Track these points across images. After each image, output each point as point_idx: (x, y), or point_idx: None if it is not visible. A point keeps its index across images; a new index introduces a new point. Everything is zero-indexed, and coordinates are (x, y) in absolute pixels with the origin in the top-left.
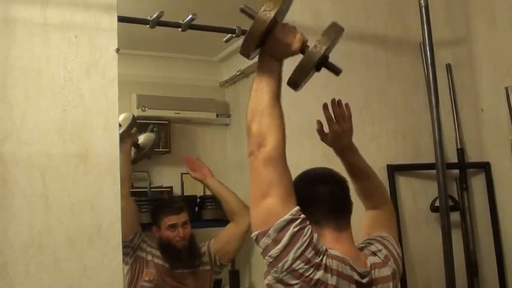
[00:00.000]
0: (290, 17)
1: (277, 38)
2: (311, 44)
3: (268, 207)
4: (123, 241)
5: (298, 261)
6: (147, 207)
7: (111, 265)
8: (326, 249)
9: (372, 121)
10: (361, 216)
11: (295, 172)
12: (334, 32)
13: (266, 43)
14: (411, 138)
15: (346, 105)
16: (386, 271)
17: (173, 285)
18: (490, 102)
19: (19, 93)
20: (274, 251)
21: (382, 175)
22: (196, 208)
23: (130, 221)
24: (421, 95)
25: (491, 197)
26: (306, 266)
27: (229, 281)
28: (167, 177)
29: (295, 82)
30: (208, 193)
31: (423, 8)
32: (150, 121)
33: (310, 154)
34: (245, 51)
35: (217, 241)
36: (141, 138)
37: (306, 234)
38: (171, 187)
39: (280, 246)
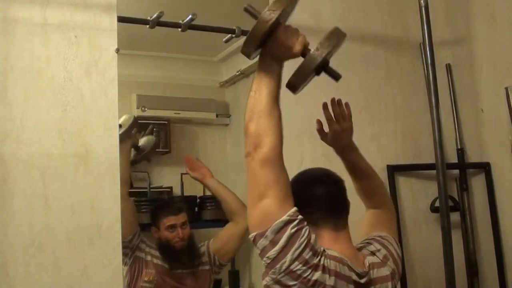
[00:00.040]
0: (290, 18)
1: (279, 40)
2: (312, 47)
3: (265, 208)
4: (122, 242)
5: (296, 262)
6: (147, 208)
7: (111, 265)
8: (324, 250)
9: (372, 121)
10: (360, 215)
11: (295, 172)
12: (336, 37)
13: (268, 44)
14: (411, 138)
15: (346, 104)
16: (385, 271)
17: (173, 285)
18: (490, 102)
19: (19, 93)
20: (271, 253)
21: (382, 176)
22: (196, 209)
23: (129, 221)
24: (421, 95)
25: (491, 197)
26: (304, 267)
27: (228, 281)
28: (167, 177)
29: (294, 85)
30: (208, 193)
31: (423, 8)
32: (150, 121)
33: (310, 154)
34: (246, 51)
35: (216, 241)
36: (142, 141)
37: (303, 235)
38: (171, 187)
39: (277, 247)
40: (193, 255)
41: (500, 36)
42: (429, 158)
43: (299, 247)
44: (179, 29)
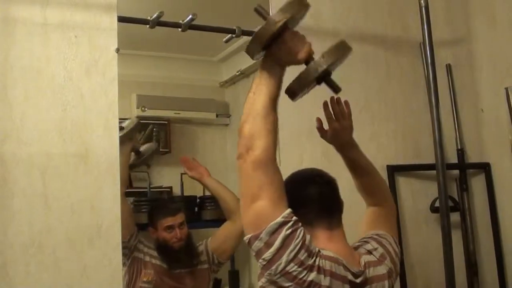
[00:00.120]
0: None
1: (286, 44)
2: (316, 54)
3: (259, 210)
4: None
5: (292, 264)
6: (146, 207)
7: (111, 265)
8: (319, 250)
9: (372, 121)
10: (359, 214)
11: None
12: (341, 50)
13: (273, 47)
14: (411, 139)
15: (346, 102)
16: (382, 270)
17: (172, 285)
18: (490, 102)
19: (19, 93)
20: (267, 254)
21: (382, 176)
22: (196, 208)
23: (126, 222)
24: (421, 95)
25: (491, 197)
26: (300, 269)
27: (228, 281)
28: (166, 177)
29: (294, 92)
30: (207, 193)
31: (423, 8)
32: (150, 121)
33: (310, 154)
34: (251, 51)
35: (215, 239)
36: (143, 146)
37: (298, 236)
38: (170, 187)
39: (272, 249)
40: (192, 255)
41: (500, 36)
42: (429, 158)
43: (294, 248)
44: (179, 29)
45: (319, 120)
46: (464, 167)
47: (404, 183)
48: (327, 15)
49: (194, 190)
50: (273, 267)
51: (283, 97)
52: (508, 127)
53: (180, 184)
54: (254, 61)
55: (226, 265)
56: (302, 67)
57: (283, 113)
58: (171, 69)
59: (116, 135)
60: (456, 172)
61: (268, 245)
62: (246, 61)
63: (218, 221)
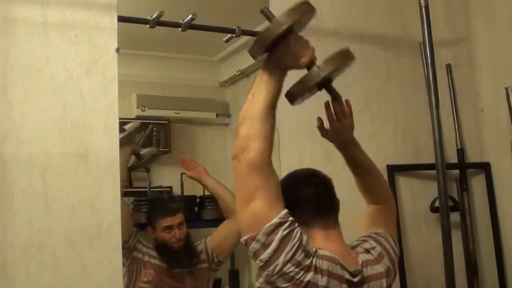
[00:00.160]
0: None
1: (289, 47)
2: (319, 62)
3: (255, 211)
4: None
5: (289, 265)
6: (147, 207)
7: (111, 265)
8: (316, 250)
9: (372, 121)
10: (358, 214)
11: None
12: (344, 58)
13: (276, 49)
14: (411, 138)
15: (347, 102)
16: (379, 268)
17: (172, 285)
18: (490, 102)
19: (19, 93)
20: (264, 255)
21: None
22: (196, 208)
23: (124, 222)
24: (421, 95)
25: (491, 197)
26: (297, 269)
27: (228, 281)
28: (166, 177)
29: (293, 96)
30: (207, 193)
31: (423, 8)
32: (150, 121)
33: (310, 154)
34: (253, 52)
35: (214, 238)
36: (144, 150)
37: (295, 237)
38: (170, 187)
39: (270, 250)
40: (191, 254)
41: (500, 36)
42: (429, 158)
43: (291, 249)
44: (179, 29)
45: (319, 119)
46: (464, 167)
47: (404, 183)
48: (327, 15)
49: (194, 189)
50: (271, 268)
51: (283, 97)
52: (508, 127)
53: (180, 183)
54: (254, 61)
55: (226, 264)
56: (304, 72)
57: (283, 113)
58: (171, 69)
59: (116, 135)
60: (456, 172)
61: (265, 246)
62: (246, 61)
63: (218, 221)
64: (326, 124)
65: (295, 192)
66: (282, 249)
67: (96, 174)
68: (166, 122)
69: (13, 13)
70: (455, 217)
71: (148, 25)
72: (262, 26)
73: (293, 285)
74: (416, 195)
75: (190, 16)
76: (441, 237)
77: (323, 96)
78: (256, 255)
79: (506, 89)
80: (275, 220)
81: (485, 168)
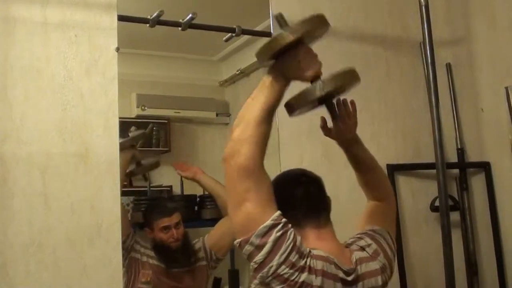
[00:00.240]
0: (290, 18)
1: (297, 58)
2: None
3: (247, 212)
4: None
5: (283, 266)
6: (146, 207)
7: (111, 265)
8: (309, 251)
9: (372, 121)
10: (358, 213)
11: None
12: (350, 77)
13: (284, 58)
14: (411, 138)
15: (352, 102)
16: (374, 265)
17: (171, 284)
18: (490, 102)
19: (19, 93)
20: (258, 257)
21: None
22: (196, 207)
23: (122, 223)
24: (421, 95)
25: (491, 197)
26: (291, 271)
27: (228, 281)
28: (166, 176)
29: (292, 107)
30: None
31: (423, 8)
32: (150, 120)
33: (310, 154)
34: (260, 57)
35: (211, 236)
36: (145, 158)
37: (289, 238)
38: (170, 186)
39: (263, 252)
40: (189, 254)
41: (500, 36)
42: (429, 158)
43: (285, 251)
44: (179, 28)
45: (323, 119)
46: (464, 166)
47: (404, 182)
48: (327, 15)
49: (194, 189)
50: (265, 270)
51: (285, 97)
52: (508, 126)
53: (180, 183)
54: (254, 61)
55: (226, 264)
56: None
57: (283, 113)
58: (171, 68)
59: (116, 134)
60: (456, 171)
61: (258, 248)
62: (246, 60)
63: (218, 220)
64: (329, 123)
65: (286, 193)
66: (276, 251)
67: (96, 174)
68: (166, 121)
69: (13, 13)
70: (455, 216)
71: (148, 25)
72: (262, 25)
73: (287, 286)
74: (416, 194)
75: (190, 15)
76: (441, 236)
77: None
78: (250, 257)
79: (506, 88)
80: (268, 222)
81: (485, 167)
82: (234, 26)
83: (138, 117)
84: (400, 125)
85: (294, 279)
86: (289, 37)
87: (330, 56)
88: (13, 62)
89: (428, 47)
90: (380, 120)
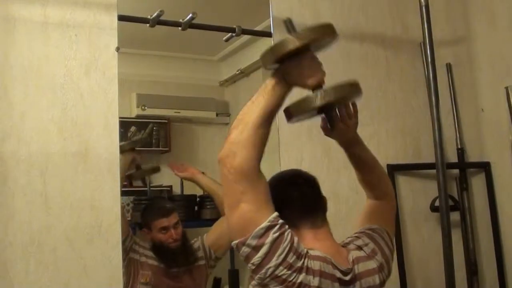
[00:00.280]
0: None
1: (300, 65)
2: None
3: (243, 214)
4: None
5: (281, 267)
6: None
7: (111, 264)
8: (307, 251)
9: (372, 121)
10: (358, 210)
11: None
12: (351, 90)
13: (287, 63)
14: (411, 138)
15: (353, 102)
16: (371, 264)
17: (170, 285)
18: (490, 102)
19: (19, 92)
20: (255, 259)
21: None
22: (196, 207)
23: (121, 224)
24: (421, 95)
25: (491, 197)
26: (289, 272)
27: (228, 281)
28: (166, 176)
29: (290, 114)
30: None
31: (423, 8)
32: (150, 120)
33: (310, 154)
34: (264, 61)
35: (210, 235)
36: (146, 165)
37: (286, 239)
38: (170, 186)
39: (261, 253)
40: (188, 253)
41: (500, 36)
42: (429, 158)
43: (282, 252)
44: (180, 28)
45: (323, 119)
46: (464, 166)
47: (404, 182)
48: (327, 15)
49: (194, 189)
50: (263, 271)
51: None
52: (508, 126)
53: (180, 183)
54: (254, 60)
55: (226, 264)
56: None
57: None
58: (171, 68)
59: (116, 134)
60: (456, 171)
61: (255, 249)
62: (246, 60)
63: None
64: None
65: (281, 194)
66: (273, 252)
67: (96, 173)
68: (166, 121)
69: (13, 12)
70: (455, 216)
71: (148, 24)
72: (262, 25)
73: (285, 287)
74: (416, 194)
75: (190, 15)
76: (441, 236)
77: None
78: (247, 258)
79: (506, 88)
80: (265, 223)
81: (485, 167)
82: (234, 26)
83: (138, 117)
84: (400, 125)
85: (292, 280)
86: (295, 43)
87: (330, 56)
88: (13, 62)
89: (428, 47)
90: (380, 120)
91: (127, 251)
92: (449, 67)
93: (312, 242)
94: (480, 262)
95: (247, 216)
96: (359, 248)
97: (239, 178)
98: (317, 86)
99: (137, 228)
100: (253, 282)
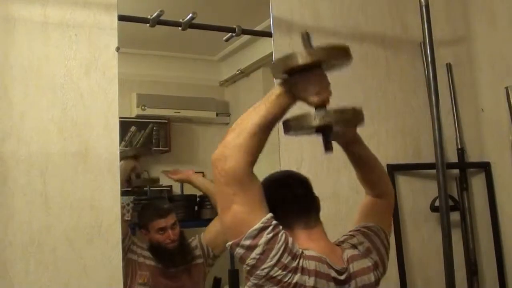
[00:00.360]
0: (290, 18)
1: (307, 80)
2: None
3: (236, 215)
4: None
5: (276, 268)
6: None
7: (111, 264)
8: (302, 252)
9: (372, 121)
10: (355, 209)
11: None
12: (351, 116)
13: (296, 76)
14: (411, 138)
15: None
16: (366, 263)
17: (168, 285)
18: (490, 102)
19: (19, 92)
20: (250, 260)
21: None
22: (196, 207)
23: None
24: (421, 95)
25: (491, 197)
26: (284, 272)
27: (228, 280)
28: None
29: (288, 127)
30: None
31: (423, 7)
32: (150, 120)
33: (310, 154)
34: (273, 70)
35: (207, 233)
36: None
37: (280, 240)
38: (170, 186)
39: (255, 254)
40: (186, 253)
41: (500, 36)
42: (429, 158)
43: (277, 253)
44: (180, 28)
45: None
46: (464, 166)
47: (404, 182)
48: (327, 15)
49: (194, 189)
50: (258, 272)
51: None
52: (508, 126)
53: (180, 183)
54: (254, 60)
55: (226, 264)
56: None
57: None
58: (171, 68)
59: (116, 134)
60: (456, 171)
61: (249, 250)
62: (246, 60)
63: None
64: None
65: (274, 195)
66: (268, 253)
67: (96, 173)
68: (166, 121)
69: (13, 12)
70: (455, 216)
71: (148, 24)
72: (262, 25)
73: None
74: (416, 194)
75: (190, 15)
76: (441, 236)
77: None
78: (241, 259)
79: (506, 88)
80: (258, 225)
81: (485, 167)
82: (234, 26)
83: (138, 117)
84: (400, 125)
85: (287, 280)
86: (306, 59)
87: None
88: (13, 62)
89: (428, 47)
90: (380, 120)
91: (126, 251)
92: (449, 67)
93: (306, 243)
94: (480, 262)
95: (239, 217)
96: (354, 246)
97: (230, 181)
98: (321, 105)
99: (136, 228)
100: (249, 283)
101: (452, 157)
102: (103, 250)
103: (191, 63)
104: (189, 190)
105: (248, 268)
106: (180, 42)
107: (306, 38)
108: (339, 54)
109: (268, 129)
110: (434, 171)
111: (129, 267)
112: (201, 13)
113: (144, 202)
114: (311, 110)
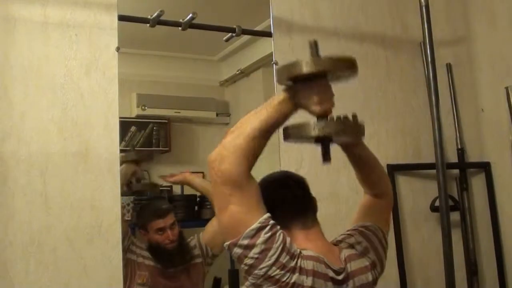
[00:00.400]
0: (290, 18)
1: (310, 89)
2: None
3: (233, 215)
4: None
5: (274, 268)
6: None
7: (111, 264)
8: (300, 252)
9: (372, 121)
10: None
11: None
12: (351, 129)
13: (300, 84)
14: (411, 138)
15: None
16: (364, 262)
17: (167, 285)
18: (490, 102)
19: (19, 92)
20: (248, 260)
21: None
22: (196, 207)
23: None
24: (421, 95)
25: (491, 197)
26: (282, 272)
27: (228, 280)
28: None
29: (288, 135)
30: None
31: (423, 8)
32: (150, 120)
33: (310, 154)
34: (279, 75)
35: (206, 233)
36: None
37: (278, 239)
38: (170, 186)
39: (252, 254)
40: (185, 252)
41: (500, 36)
42: (429, 158)
43: (275, 252)
44: (180, 28)
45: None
46: (464, 166)
47: (404, 182)
48: (327, 15)
49: None
50: (256, 271)
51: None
52: (508, 126)
53: None
54: (254, 60)
55: (226, 264)
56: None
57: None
58: (171, 68)
59: (116, 134)
60: (456, 171)
61: (247, 250)
62: (246, 60)
63: None
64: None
65: (271, 196)
66: (266, 253)
67: (96, 173)
68: (166, 121)
69: (13, 12)
70: (455, 216)
71: (148, 24)
72: (262, 25)
73: (279, 287)
74: (416, 194)
75: (190, 15)
76: (441, 236)
77: None
78: (239, 259)
79: (506, 88)
80: (255, 224)
81: (485, 167)
82: (234, 26)
83: (138, 117)
84: (400, 125)
85: (285, 280)
86: (311, 68)
87: None
88: (13, 62)
89: (428, 47)
90: (380, 120)
91: (125, 251)
92: (449, 67)
93: (304, 243)
94: (480, 262)
95: (237, 217)
96: (351, 246)
97: (226, 182)
98: (322, 115)
99: (136, 228)
100: (247, 283)
101: (452, 157)
102: (103, 250)
103: (191, 63)
104: (189, 190)
105: (246, 267)
106: (180, 42)
107: (314, 47)
108: (345, 66)
109: (268, 133)
110: (434, 171)
111: (128, 267)
112: (201, 13)
113: (144, 202)
114: (312, 119)
